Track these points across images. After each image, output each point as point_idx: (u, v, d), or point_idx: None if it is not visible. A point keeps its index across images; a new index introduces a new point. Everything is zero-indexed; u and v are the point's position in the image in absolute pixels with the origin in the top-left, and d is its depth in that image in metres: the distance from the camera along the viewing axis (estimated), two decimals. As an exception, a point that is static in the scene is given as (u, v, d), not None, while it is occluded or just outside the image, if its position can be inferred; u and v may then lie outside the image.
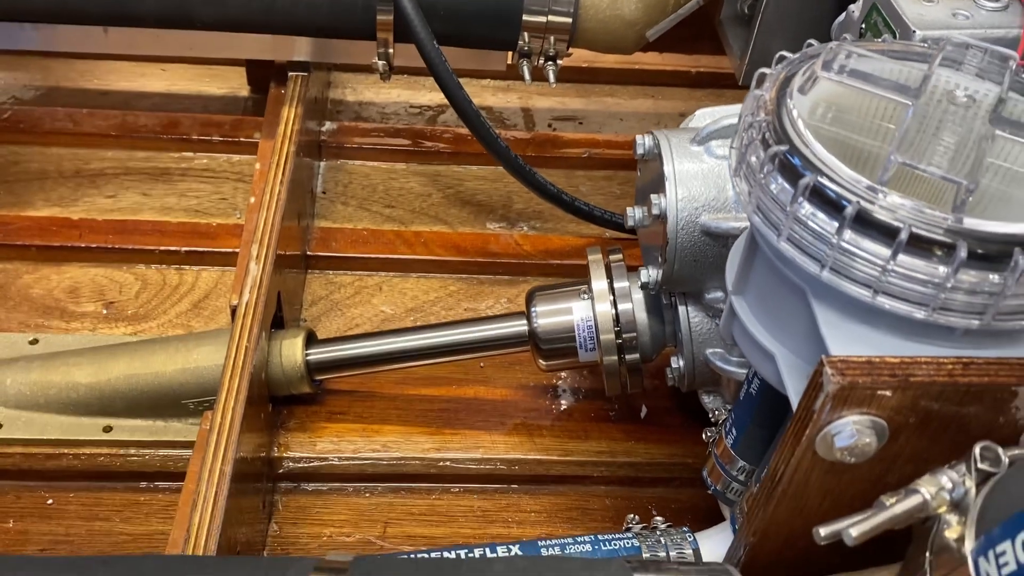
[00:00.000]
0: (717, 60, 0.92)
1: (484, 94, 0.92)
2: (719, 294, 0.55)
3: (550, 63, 0.73)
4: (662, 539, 0.51)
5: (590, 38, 0.72)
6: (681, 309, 0.57)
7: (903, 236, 0.31)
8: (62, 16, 0.69)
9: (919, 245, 0.32)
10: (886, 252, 0.32)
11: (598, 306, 0.60)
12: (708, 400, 0.60)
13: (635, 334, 0.59)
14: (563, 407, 0.68)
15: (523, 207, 0.82)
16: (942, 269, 0.32)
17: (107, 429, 0.61)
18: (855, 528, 0.29)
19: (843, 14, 0.56)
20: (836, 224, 0.33)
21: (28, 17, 0.69)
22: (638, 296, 0.60)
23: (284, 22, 0.69)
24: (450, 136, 0.84)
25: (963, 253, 0.31)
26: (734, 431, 0.51)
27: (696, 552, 0.50)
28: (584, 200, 0.75)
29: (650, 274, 0.56)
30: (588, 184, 0.85)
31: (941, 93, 0.36)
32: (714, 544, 0.51)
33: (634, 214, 0.57)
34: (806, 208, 0.34)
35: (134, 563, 0.38)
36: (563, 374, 0.69)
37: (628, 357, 0.60)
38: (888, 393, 0.33)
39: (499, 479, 0.64)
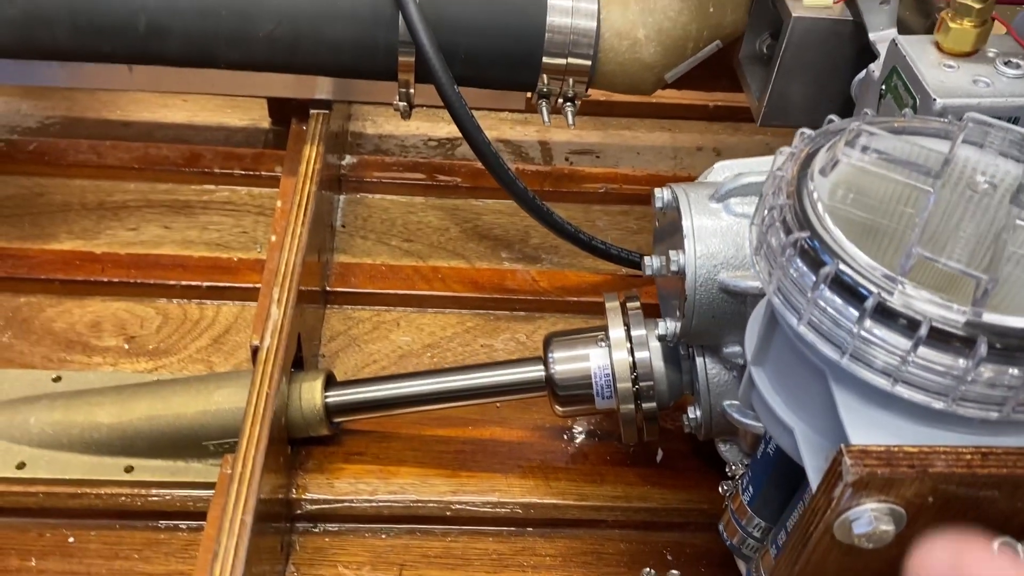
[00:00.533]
0: (734, 94, 0.92)
1: (502, 127, 0.93)
2: (737, 348, 0.55)
3: (569, 104, 0.73)
4: (677, 594, 0.52)
5: (609, 80, 0.72)
6: (699, 360, 0.58)
7: (923, 331, 0.32)
8: (87, 56, 0.69)
9: (939, 338, 0.32)
10: (906, 343, 0.33)
11: (615, 354, 0.60)
12: (725, 449, 0.60)
13: (652, 383, 0.60)
14: (579, 449, 0.68)
15: (540, 241, 0.83)
16: (962, 362, 0.32)
17: (128, 469, 0.62)
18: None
19: (863, 72, 0.56)
20: (856, 313, 0.33)
21: (54, 56, 0.70)
22: (655, 344, 0.60)
23: (307, 63, 0.70)
24: (468, 170, 0.85)
25: (983, 350, 0.31)
26: (751, 488, 0.52)
27: (711, 609, 0.51)
28: (601, 237, 0.76)
29: (668, 326, 0.56)
30: (605, 219, 0.85)
31: (962, 177, 0.36)
32: (729, 601, 0.51)
33: (652, 263, 0.57)
34: (826, 295, 0.34)
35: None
36: (579, 415, 0.70)
37: (645, 405, 0.60)
38: (907, 482, 0.33)
39: (514, 522, 0.65)
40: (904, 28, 0.64)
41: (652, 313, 0.62)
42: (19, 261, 0.75)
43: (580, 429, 0.69)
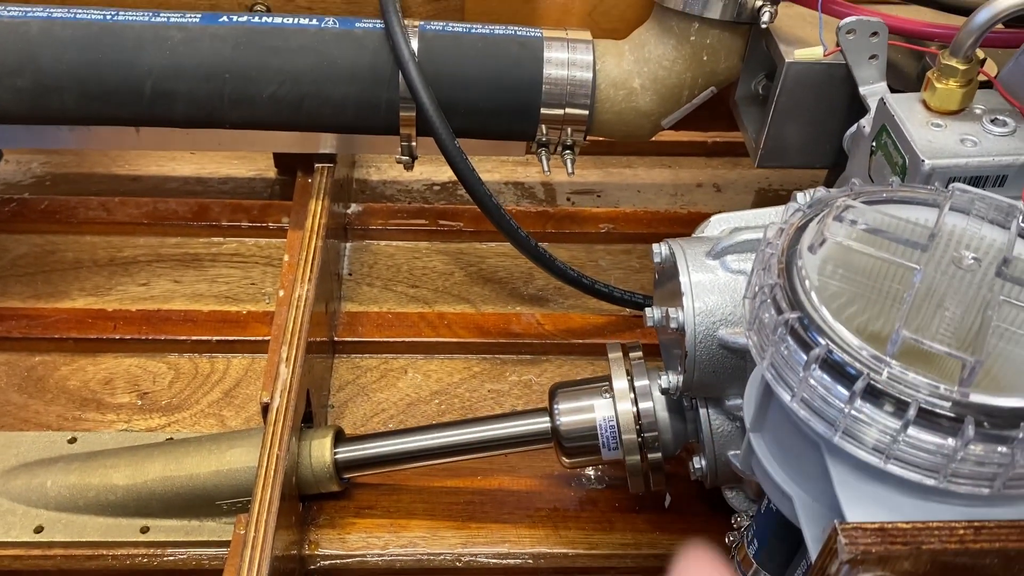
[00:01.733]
0: (731, 132, 0.93)
1: (503, 169, 0.94)
2: (739, 401, 0.56)
3: (568, 152, 0.74)
4: (686, 649, 0.52)
5: (607, 129, 0.73)
6: (702, 411, 0.58)
7: (911, 413, 0.32)
8: (96, 120, 0.71)
9: (928, 418, 0.33)
10: (895, 423, 0.33)
11: (620, 405, 0.61)
12: (731, 496, 0.61)
13: (657, 433, 0.60)
14: (588, 496, 0.69)
15: (544, 283, 0.84)
16: (951, 441, 0.33)
17: (144, 530, 0.63)
18: None
19: (855, 127, 0.57)
20: (846, 392, 0.34)
21: (64, 121, 0.72)
22: (659, 394, 0.61)
23: (311, 122, 0.71)
24: (471, 214, 0.86)
25: (971, 431, 0.32)
26: (756, 541, 0.52)
27: (719, 663, 0.51)
28: (604, 277, 0.77)
29: (670, 380, 0.57)
30: (608, 258, 0.86)
31: (948, 251, 0.37)
32: (737, 654, 0.52)
33: (653, 315, 0.58)
34: (817, 374, 0.35)
35: None
36: (586, 461, 0.70)
37: (650, 456, 0.61)
38: (902, 558, 0.34)
39: (525, 573, 0.65)
40: (895, 71, 0.65)
41: (655, 353, 0.63)
42: (33, 321, 0.76)
43: (589, 475, 0.70)
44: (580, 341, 0.79)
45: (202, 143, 0.77)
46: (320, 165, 0.78)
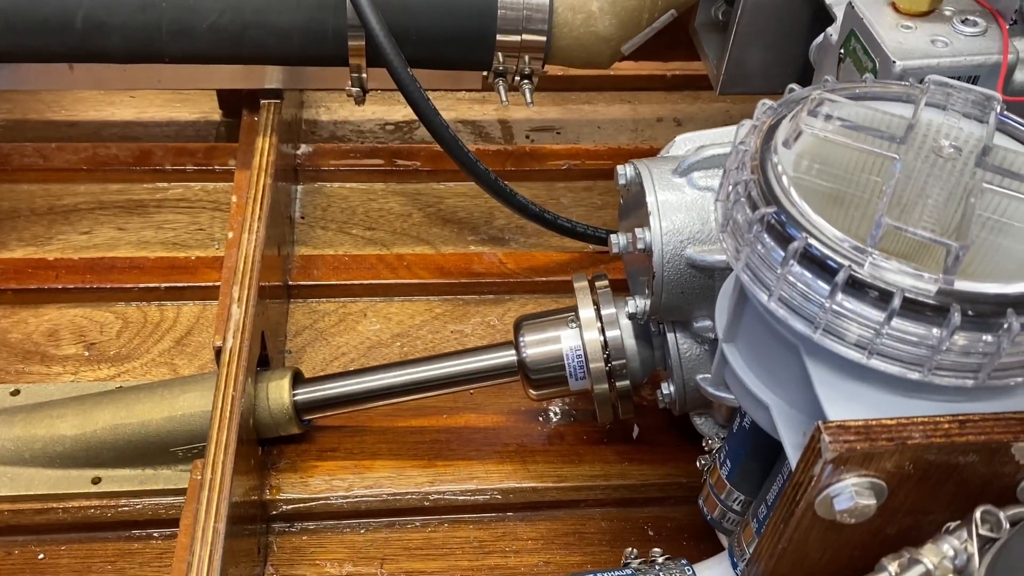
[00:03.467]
0: (691, 63, 0.91)
1: (460, 107, 0.91)
2: (708, 323, 0.55)
3: (526, 81, 0.72)
4: (661, 573, 0.51)
5: (565, 55, 0.71)
6: (670, 336, 0.57)
7: (896, 303, 0.31)
8: (24, 56, 0.67)
9: (911, 308, 0.32)
10: (879, 315, 0.32)
11: (586, 334, 0.59)
12: (700, 422, 0.60)
13: (624, 360, 0.59)
14: (555, 430, 0.68)
15: (505, 222, 0.81)
16: (935, 332, 0.32)
17: (96, 480, 0.60)
18: (859, 606, 0.29)
19: (821, 36, 0.56)
20: (827, 287, 0.33)
21: (-11, 58, 0.67)
22: (626, 322, 0.59)
23: (254, 53, 0.68)
24: (427, 153, 0.83)
25: (957, 319, 0.31)
26: (728, 462, 0.51)
27: (695, 585, 0.51)
28: (566, 215, 0.75)
29: (637, 304, 0.55)
30: (569, 196, 0.85)
31: (927, 142, 0.36)
32: (713, 576, 0.51)
33: (618, 241, 0.56)
34: (796, 270, 0.33)
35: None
36: (553, 397, 0.69)
37: (618, 384, 0.59)
38: (886, 455, 0.32)
39: (494, 508, 0.64)
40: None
41: (621, 289, 0.61)
42: (-32, 272, 0.72)
43: (556, 410, 0.69)
44: (544, 279, 0.77)
45: (141, 81, 0.73)
46: (266, 102, 0.75)
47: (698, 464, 0.56)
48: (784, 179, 0.35)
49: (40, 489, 0.59)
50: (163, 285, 0.73)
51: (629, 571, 0.51)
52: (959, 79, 0.44)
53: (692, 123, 0.93)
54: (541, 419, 0.68)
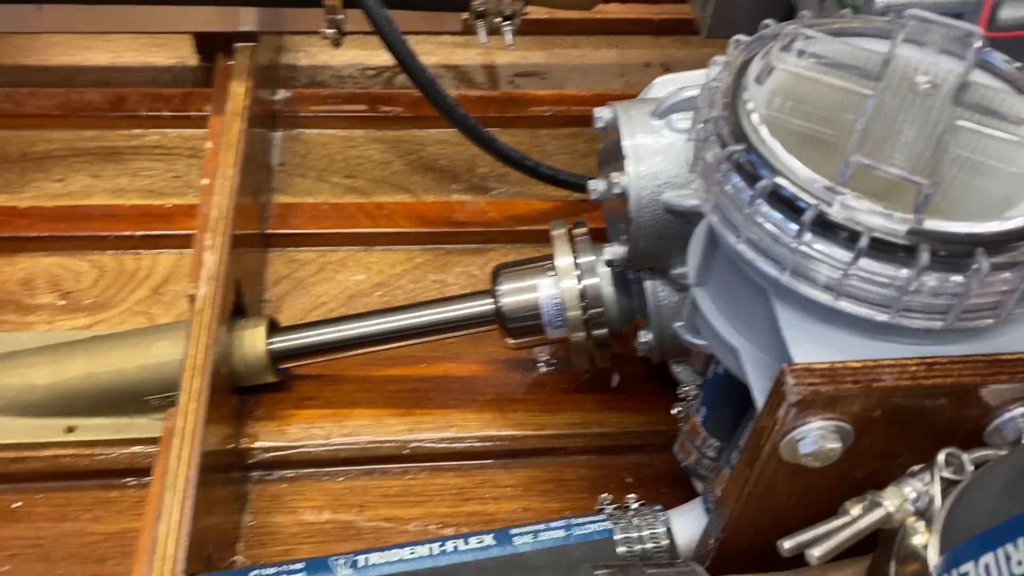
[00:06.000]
0: (680, 6, 0.89)
1: (442, 51, 0.89)
2: (685, 269, 0.54)
3: (507, 23, 0.70)
4: (634, 519, 0.51)
5: (546, -4, 0.69)
6: (648, 283, 0.56)
7: (863, 243, 0.30)
8: (-11, -4, 0.65)
9: (880, 248, 0.31)
10: (847, 256, 0.31)
11: (563, 282, 0.59)
12: (679, 371, 0.59)
13: (602, 309, 0.58)
14: (535, 380, 0.67)
15: (487, 171, 0.80)
16: (904, 272, 0.31)
17: (70, 429, 0.60)
18: (818, 549, 0.29)
19: (805, -26, 0.54)
20: (795, 227, 0.32)
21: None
22: (604, 270, 0.58)
23: (226, -7, 0.66)
24: (408, 99, 0.82)
25: (925, 258, 0.30)
26: (703, 409, 0.51)
27: (669, 532, 0.51)
28: (549, 162, 0.74)
29: (615, 251, 0.55)
30: (553, 143, 0.83)
31: (902, 79, 0.34)
32: (686, 523, 0.51)
33: (597, 187, 0.55)
34: (764, 210, 0.33)
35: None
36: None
37: (596, 332, 0.59)
38: (852, 398, 0.32)
39: (473, 456, 0.64)
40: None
41: (602, 238, 0.60)
42: (-61, 220, 0.71)
43: (535, 360, 0.68)
44: (527, 228, 0.76)
45: (113, 22, 0.71)
46: (241, 45, 0.73)
47: (673, 412, 0.55)
48: (755, 117, 0.34)
49: (14, 438, 0.59)
50: (139, 233, 0.72)
51: (603, 516, 0.51)
52: (944, 16, 0.43)
53: (681, 68, 0.89)
54: (521, 369, 0.68)
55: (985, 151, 0.33)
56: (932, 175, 0.31)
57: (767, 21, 0.38)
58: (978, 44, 0.35)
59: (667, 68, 0.91)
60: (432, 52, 0.88)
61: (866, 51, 0.35)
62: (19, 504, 0.60)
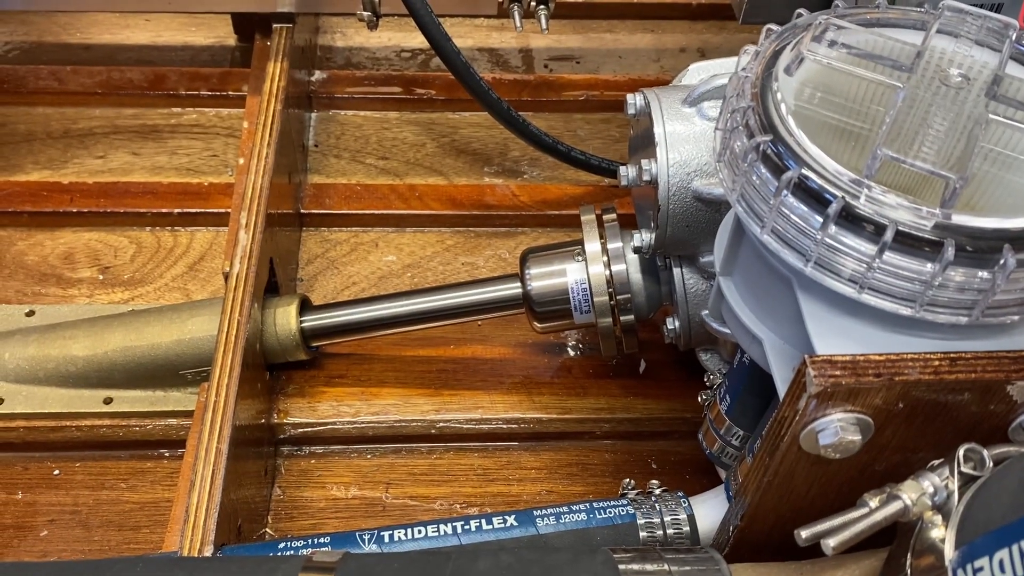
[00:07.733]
0: (718, -9, 0.88)
1: (478, 34, 0.89)
2: (712, 258, 0.54)
3: (542, 7, 0.70)
4: (657, 505, 0.52)
5: (582, -20, 0.69)
6: (676, 271, 0.56)
7: (888, 236, 0.30)
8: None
9: (906, 242, 0.31)
10: (872, 248, 0.31)
11: (592, 268, 0.59)
12: (706, 358, 0.60)
13: (630, 295, 0.59)
14: (562, 364, 0.68)
15: (519, 154, 0.80)
16: (929, 267, 0.31)
17: (107, 401, 0.61)
18: (833, 539, 0.29)
19: (842, -39, 0.53)
20: (820, 219, 0.32)
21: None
22: (632, 256, 0.59)
23: (264, -25, 0.67)
24: (443, 82, 0.82)
25: (951, 253, 0.30)
26: (728, 397, 0.51)
27: (691, 518, 0.51)
28: (582, 147, 0.74)
29: (643, 238, 0.55)
30: (586, 128, 0.83)
31: (935, 71, 0.34)
32: (708, 509, 0.51)
33: (627, 173, 0.55)
34: (790, 201, 0.33)
35: (126, 564, 0.38)
36: (561, 330, 0.69)
37: (623, 318, 0.59)
38: (873, 391, 0.32)
39: (499, 437, 0.65)
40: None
41: (631, 224, 0.60)
42: (-15, 194, 0.73)
43: (563, 344, 0.69)
44: (557, 212, 0.77)
45: (154, 2, 0.72)
46: (278, 26, 0.74)
47: (699, 399, 0.56)
48: (783, 107, 0.34)
49: (54, 407, 0.61)
50: (176, 211, 0.73)
51: (625, 501, 0.52)
52: (982, 6, 0.42)
53: (717, 54, 0.90)
54: (548, 352, 0.68)
55: (1017, 146, 0.33)
56: (961, 169, 0.31)
57: (800, 10, 0.38)
58: (1015, 36, 0.35)
59: (703, 53, 0.90)
60: (468, 35, 0.89)
61: (898, 42, 0.35)
62: (58, 472, 0.62)
